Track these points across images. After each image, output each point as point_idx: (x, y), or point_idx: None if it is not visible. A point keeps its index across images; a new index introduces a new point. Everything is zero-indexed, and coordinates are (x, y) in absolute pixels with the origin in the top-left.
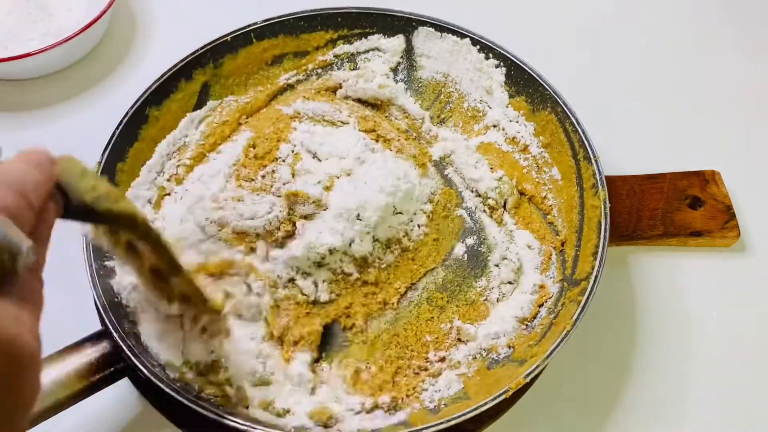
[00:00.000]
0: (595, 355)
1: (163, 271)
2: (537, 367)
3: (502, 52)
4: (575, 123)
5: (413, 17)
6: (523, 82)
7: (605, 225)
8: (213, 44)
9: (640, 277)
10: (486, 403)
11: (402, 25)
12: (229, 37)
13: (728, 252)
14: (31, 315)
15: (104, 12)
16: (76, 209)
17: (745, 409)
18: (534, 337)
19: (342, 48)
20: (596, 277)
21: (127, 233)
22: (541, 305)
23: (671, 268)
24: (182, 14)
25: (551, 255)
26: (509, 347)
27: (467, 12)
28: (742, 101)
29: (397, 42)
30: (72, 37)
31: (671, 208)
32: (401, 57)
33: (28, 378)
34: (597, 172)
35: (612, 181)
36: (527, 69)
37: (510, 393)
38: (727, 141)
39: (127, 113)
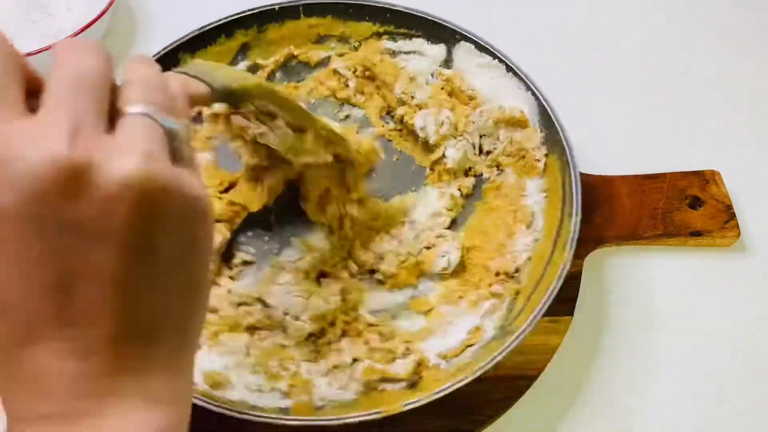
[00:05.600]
0: (593, 355)
1: (302, 125)
2: (415, 402)
3: (532, 86)
4: (573, 175)
5: (458, 30)
6: (543, 120)
7: (554, 286)
8: (259, 9)
9: (639, 277)
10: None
11: (446, 35)
12: (276, 6)
13: (728, 252)
14: (199, 177)
15: (104, 12)
16: (222, 95)
17: (746, 409)
18: (446, 375)
19: (386, 43)
20: (517, 337)
21: (264, 102)
22: (469, 346)
23: (671, 268)
24: (182, 14)
25: (504, 301)
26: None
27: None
28: (742, 101)
29: (439, 50)
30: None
31: (671, 208)
32: (440, 65)
33: (212, 228)
34: (572, 231)
35: (612, 181)
36: (548, 109)
37: (382, 415)
38: (727, 141)
39: (159, 53)
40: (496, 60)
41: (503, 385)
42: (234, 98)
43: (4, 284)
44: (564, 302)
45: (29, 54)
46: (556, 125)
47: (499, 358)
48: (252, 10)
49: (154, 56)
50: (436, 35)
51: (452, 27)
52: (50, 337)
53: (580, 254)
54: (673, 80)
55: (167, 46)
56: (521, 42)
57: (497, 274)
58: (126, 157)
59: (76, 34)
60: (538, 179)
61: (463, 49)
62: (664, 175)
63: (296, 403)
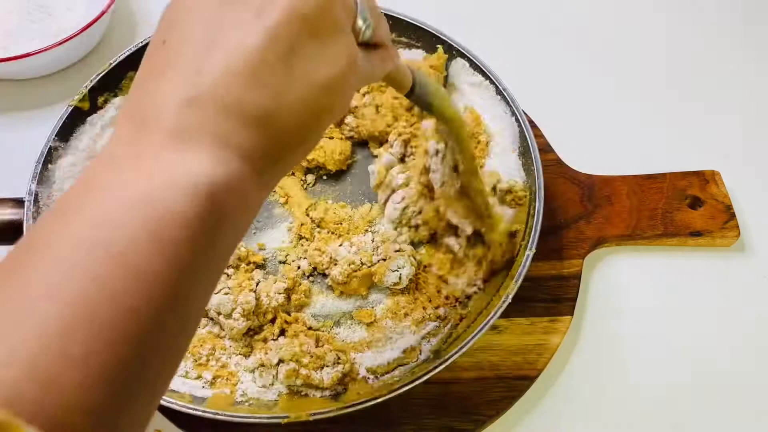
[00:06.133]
0: (593, 355)
1: (460, 168)
2: (318, 414)
3: (517, 112)
4: (537, 208)
5: (454, 45)
6: (522, 149)
7: (491, 317)
8: None
9: (639, 277)
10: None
11: (445, 48)
12: None
13: (728, 252)
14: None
15: (104, 12)
16: (416, 96)
17: (746, 409)
18: (369, 391)
19: None
20: (441, 363)
21: (445, 123)
22: (400, 365)
23: (671, 268)
24: None
25: (447, 324)
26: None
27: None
28: (741, 101)
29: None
30: (72, 37)
31: (671, 208)
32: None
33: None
34: (523, 264)
35: (612, 181)
36: (528, 139)
37: (285, 421)
38: (727, 141)
39: None
40: (488, 81)
41: (503, 385)
42: (425, 103)
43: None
44: (564, 302)
45: (29, 54)
46: (532, 156)
47: (416, 382)
48: None
49: None
50: (434, 47)
51: (449, 41)
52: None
53: (580, 254)
54: (673, 80)
55: None
56: (520, 40)
57: (447, 297)
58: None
59: (76, 34)
60: (508, 210)
61: (458, 65)
62: (664, 175)
63: (215, 395)
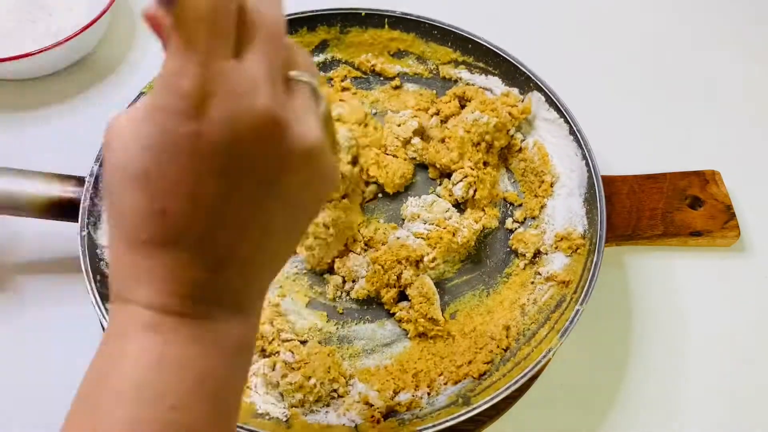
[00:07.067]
0: (594, 355)
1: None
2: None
3: (588, 156)
4: (595, 262)
5: (533, 77)
6: (589, 195)
7: (524, 373)
8: (345, 11)
9: (639, 277)
10: None
11: (521, 80)
12: (363, 12)
13: (728, 252)
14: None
15: (104, 12)
16: None
17: (743, 409)
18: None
19: (461, 73)
20: (464, 413)
21: None
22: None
23: (671, 268)
24: None
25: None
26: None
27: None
28: (742, 101)
29: (511, 94)
30: (72, 37)
31: (671, 208)
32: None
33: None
34: (570, 320)
35: (612, 181)
36: (596, 186)
37: None
38: (727, 141)
39: None
40: (562, 119)
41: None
42: None
43: (175, 196)
44: None
45: (29, 54)
46: (598, 207)
47: (439, 426)
48: (338, 9)
49: None
50: (511, 77)
51: (528, 73)
52: (187, 247)
53: None
54: (673, 80)
55: None
56: (519, 39)
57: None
58: (307, 126)
59: (76, 34)
60: (562, 257)
61: (534, 99)
62: (664, 175)
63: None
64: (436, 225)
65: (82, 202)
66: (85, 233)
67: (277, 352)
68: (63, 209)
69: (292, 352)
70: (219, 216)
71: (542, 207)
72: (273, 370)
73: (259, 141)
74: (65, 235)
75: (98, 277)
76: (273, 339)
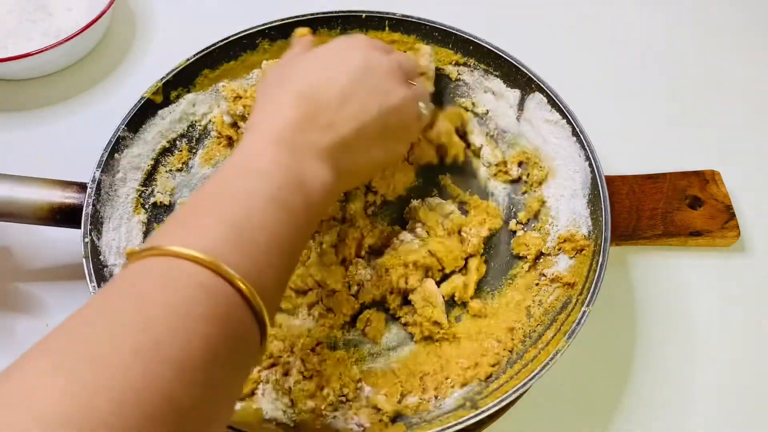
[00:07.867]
0: (595, 355)
1: None
2: None
3: (592, 157)
4: (600, 263)
5: (534, 78)
6: (592, 197)
7: (533, 375)
8: (345, 14)
9: (639, 277)
10: None
11: (523, 81)
12: (363, 15)
13: (728, 252)
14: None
15: (104, 12)
16: None
17: (746, 409)
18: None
19: (463, 74)
20: (470, 417)
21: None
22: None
23: (671, 268)
24: (183, 14)
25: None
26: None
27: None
28: (742, 101)
29: (513, 96)
30: (72, 37)
31: (671, 208)
32: (510, 109)
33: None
34: (578, 321)
35: (612, 181)
36: (600, 187)
37: None
38: (727, 141)
39: (240, 33)
40: (564, 120)
41: None
42: None
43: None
44: None
45: (29, 54)
46: (602, 207)
47: (448, 430)
48: (339, 12)
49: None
50: (513, 79)
51: (530, 74)
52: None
53: None
54: (673, 80)
55: (253, 27)
56: (519, 41)
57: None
58: (417, 109)
59: (76, 34)
60: (566, 258)
61: (535, 101)
62: (664, 175)
63: (243, 408)
64: (441, 227)
65: (84, 208)
66: (88, 240)
67: (288, 361)
68: (65, 215)
69: (303, 360)
70: (348, 101)
71: (543, 202)
72: (285, 375)
73: (399, 100)
74: (67, 241)
75: (101, 284)
76: (284, 346)
